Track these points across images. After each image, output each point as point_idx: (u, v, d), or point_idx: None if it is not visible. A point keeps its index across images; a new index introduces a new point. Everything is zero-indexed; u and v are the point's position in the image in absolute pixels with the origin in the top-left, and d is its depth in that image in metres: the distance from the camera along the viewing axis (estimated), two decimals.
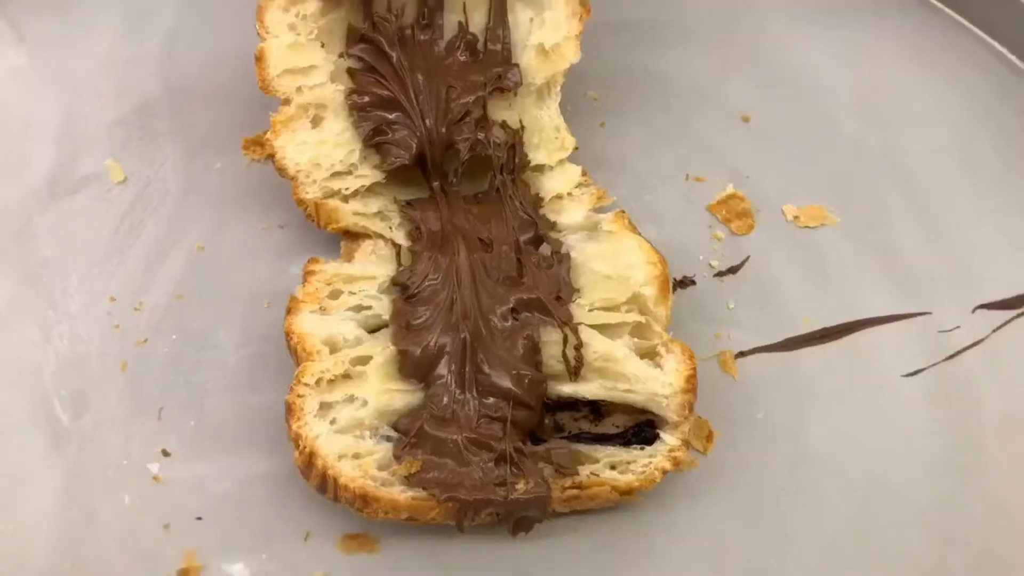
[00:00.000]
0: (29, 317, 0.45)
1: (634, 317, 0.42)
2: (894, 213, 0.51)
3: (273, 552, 0.40)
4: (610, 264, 0.43)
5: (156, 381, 0.44)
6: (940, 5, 0.58)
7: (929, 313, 0.48)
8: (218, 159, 0.51)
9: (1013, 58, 0.56)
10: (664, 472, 0.40)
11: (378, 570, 0.40)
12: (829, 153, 0.53)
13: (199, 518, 0.40)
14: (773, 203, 0.51)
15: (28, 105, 0.52)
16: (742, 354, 0.46)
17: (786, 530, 0.42)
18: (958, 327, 0.47)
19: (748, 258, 0.49)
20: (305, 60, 0.45)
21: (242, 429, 0.42)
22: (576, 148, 0.48)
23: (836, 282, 0.49)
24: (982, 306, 0.48)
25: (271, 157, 0.45)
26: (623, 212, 0.45)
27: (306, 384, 0.39)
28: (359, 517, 0.38)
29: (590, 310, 0.42)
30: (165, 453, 0.42)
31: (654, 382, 0.40)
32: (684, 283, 0.48)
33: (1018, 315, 0.48)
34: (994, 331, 0.47)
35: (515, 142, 0.47)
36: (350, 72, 0.46)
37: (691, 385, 0.40)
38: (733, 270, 0.49)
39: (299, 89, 0.45)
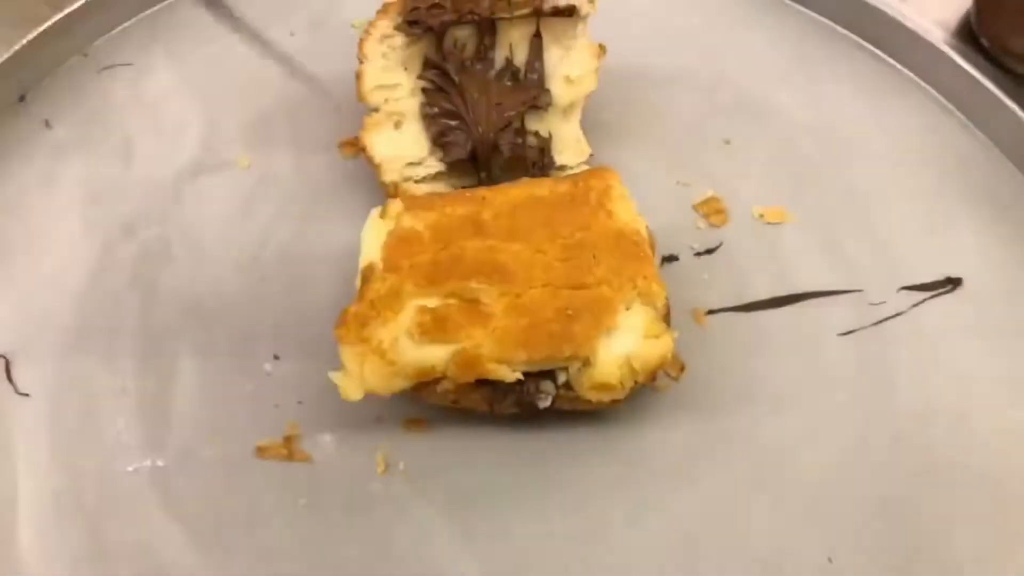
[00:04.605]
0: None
1: None
2: (839, 213, 0.63)
3: (353, 428, 0.54)
4: None
5: (271, 307, 0.59)
6: (886, 57, 0.72)
7: (862, 290, 0.61)
8: (319, 155, 0.65)
9: (942, 99, 0.69)
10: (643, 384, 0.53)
11: (429, 444, 0.54)
12: (792, 168, 0.65)
13: (300, 402, 0.55)
14: (744, 204, 0.63)
15: (181, 111, 0.67)
16: (711, 312, 0.59)
17: (734, 448, 0.55)
18: (884, 302, 0.60)
19: (722, 244, 0.62)
20: (392, 79, 0.60)
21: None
22: (591, 155, 0.63)
23: (790, 264, 0.61)
24: (905, 287, 0.61)
25: (362, 151, 0.60)
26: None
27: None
28: (417, 404, 0.53)
29: None
30: (276, 357, 0.57)
31: None
32: (670, 259, 0.61)
33: (932, 295, 0.60)
34: (913, 307, 0.60)
35: (545, 147, 0.62)
36: (424, 90, 0.61)
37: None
38: (710, 251, 0.61)
39: (386, 100, 0.60)
